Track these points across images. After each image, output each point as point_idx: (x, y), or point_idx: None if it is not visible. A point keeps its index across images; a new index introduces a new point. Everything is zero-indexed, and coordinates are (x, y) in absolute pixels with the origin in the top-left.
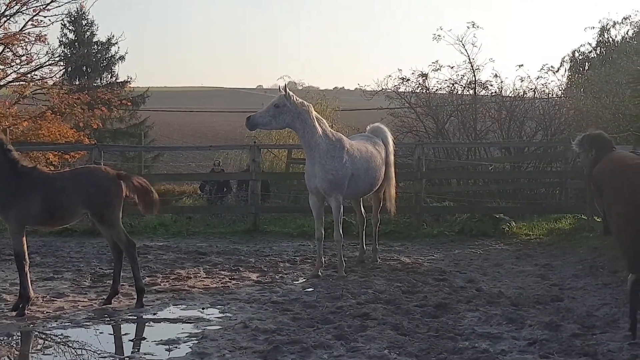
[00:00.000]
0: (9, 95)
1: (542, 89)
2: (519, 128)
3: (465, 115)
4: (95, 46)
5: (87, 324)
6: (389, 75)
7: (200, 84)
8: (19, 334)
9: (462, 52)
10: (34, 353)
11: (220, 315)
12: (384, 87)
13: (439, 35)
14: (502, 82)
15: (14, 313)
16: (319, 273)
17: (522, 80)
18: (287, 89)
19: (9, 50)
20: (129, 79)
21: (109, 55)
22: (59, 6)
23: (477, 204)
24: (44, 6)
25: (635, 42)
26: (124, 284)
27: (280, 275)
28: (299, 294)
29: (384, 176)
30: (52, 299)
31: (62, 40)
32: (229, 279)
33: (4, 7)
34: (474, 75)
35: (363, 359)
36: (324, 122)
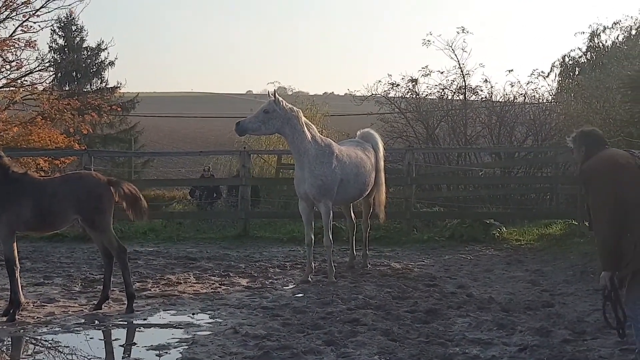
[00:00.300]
0: (0, 101)
1: (533, 94)
2: (509, 133)
3: (455, 121)
4: (85, 52)
5: (78, 329)
6: (379, 81)
7: (190, 89)
8: (9, 339)
9: (452, 57)
10: (25, 358)
11: (211, 320)
12: (373, 93)
13: (428, 41)
14: (492, 87)
15: (4, 318)
16: (309, 279)
17: (512, 86)
18: (277, 95)
19: None
20: (119, 85)
21: (99, 61)
22: (49, 12)
23: (467, 210)
24: (33, 12)
25: (625, 47)
26: (115, 289)
27: (270, 280)
28: (289, 300)
29: (374, 182)
30: (43, 304)
31: (51, 46)
32: (219, 284)
33: None
34: (464, 81)
35: None
36: (313, 127)
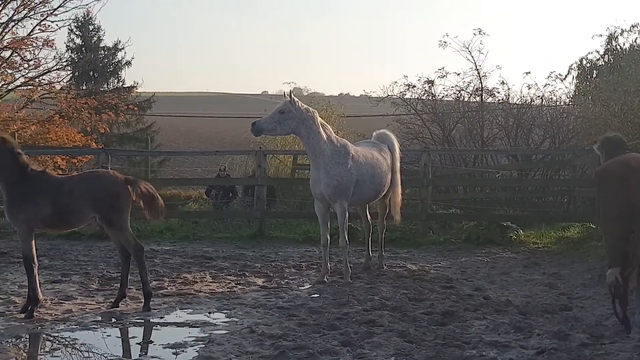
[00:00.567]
0: (18, 99)
1: (550, 97)
2: (526, 135)
3: (472, 122)
4: (102, 51)
5: (95, 326)
6: (395, 82)
7: (206, 89)
8: (27, 336)
9: (468, 59)
10: (42, 355)
11: (227, 319)
12: (389, 94)
13: (445, 42)
14: (509, 89)
15: (22, 315)
16: (325, 279)
17: (530, 88)
18: (293, 95)
19: (17, 54)
20: (136, 84)
21: (116, 61)
22: (66, 11)
23: (484, 212)
24: (51, 11)
25: None
26: (132, 287)
27: (286, 280)
28: (305, 300)
29: (390, 183)
30: (61, 301)
31: (69, 45)
32: (235, 283)
33: (12, 12)
34: (481, 82)
35: None
36: (328, 128)
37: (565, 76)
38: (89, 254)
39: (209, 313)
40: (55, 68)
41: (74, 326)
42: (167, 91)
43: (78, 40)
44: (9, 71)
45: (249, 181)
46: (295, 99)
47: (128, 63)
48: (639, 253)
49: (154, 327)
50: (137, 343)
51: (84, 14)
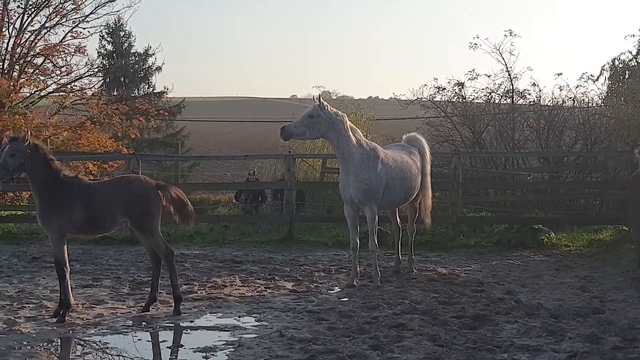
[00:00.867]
0: (50, 106)
1: (582, 98)
2: (557, 137)
3: (502, 125)
4: (133, 57)
5: (126, 330)
6: (425, 84)
7: (235, 94)
8: (59, 340)
9: (499, 61)
10: (74, 359)
11: (256, 323)
12: (419, 96)
13: (475, 44)
14: (540, 90)
15: (54, 319)
16: (354, 283)
17: (561, 89)
18: (322, 99)
19: (49, 61)
20: (166, 90)
21: (146, 66)
22: (98, 18)
23: (515, 215)
24: (83, 18)
25: None
26: (162, 291)
27: (316, 284)
28: (335, 304)
29: (420, 186)
30: (92, 305)
31: (100, 52)
32: (265, 287)
33: (44, 19)
34: (512, 84)
35: None
36: (358, 131)
37: (598, 77)
38: (120, 258)
39: (239, 317)
40: (86, 74)
41: (105, 330)
42: (197, 96)
43: (109, 47)
44: (42, 78)
45: (278, 185)
46: (325, 103)
47: (158, 69)
48: None
49: (184, 331)
50: (167, 347)
51: (115, 20)
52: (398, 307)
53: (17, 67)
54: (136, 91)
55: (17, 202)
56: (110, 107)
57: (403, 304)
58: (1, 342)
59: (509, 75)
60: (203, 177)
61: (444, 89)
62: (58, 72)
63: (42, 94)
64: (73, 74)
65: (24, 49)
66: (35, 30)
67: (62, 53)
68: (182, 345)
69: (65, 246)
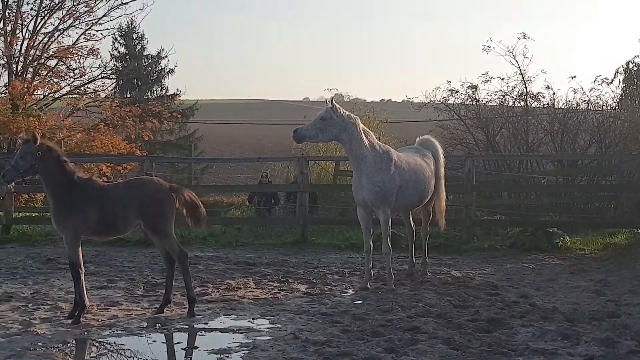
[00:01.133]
0: (63, 108)
1: (596, 101)
2: (572, 140)
3: (516, 127)
4: (146, 59)
5: (140, 332)
6: (438, 87)
7: (248, 96)
8: (74, 341)
9: (512, 64)
10: None
11: (270, 325)
12: (432, 99)
13: (488, 47)
14: (554, 93)
15: (69, 321)
16: (368, 285)
17: (575, 92)
18: (334, 102)
19: (62, 63)
20: (179, 92)
21: (159, 69)
22: (111, 20)
23: (529, 218)
24: (96, 20)
25: None
26: (176, 293)
27: (329, 287)
28: (348, 306)
29: (434, 189)
30: (107, 307)
31: (113, 54)
32: (278, 290)
33: (58, 21)
34: (525, 87)
35: None
36: (371, 134)
37: (612, 80)
38: (134, 260)
39: (253, 319)
40: (100, 76)
41: (119, 332)
42: (210, 98)
43: (122, 49)
44: (55, 80)
45: (291, 187)
46: (337, 106)
47: (171, 71)
48: None
49: (199, 333)
50: (181, 349)
51: (128, 22)
52: (412, 310)
53: (30, 69)
54: (149, 93)
55: (31, 203)
56: (124, 109)
57: (417, 307)
58: (17, 343)
59: (523, 78)
60: (216, 180)
61: (457, 91)
62: (71, 74)
63: (55, 96)
64: (86, 76)
65: (37, 51)
66: (49, 32)
67: (75, 55)
68: (196, 347)
69: (80, 248)
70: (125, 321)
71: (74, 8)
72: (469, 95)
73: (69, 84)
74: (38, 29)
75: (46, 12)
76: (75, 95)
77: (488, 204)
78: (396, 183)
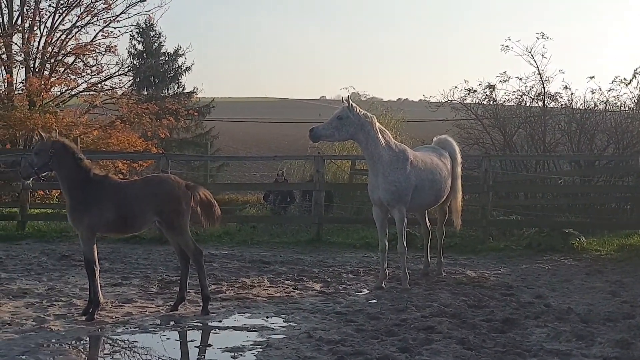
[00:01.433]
0: (80, 105)
1: (614, 102)
2: (589, 141)
3: (533, 128)
4: (163, 57)
5: (154, 329)
6: (455, 87)
7: (265, 94)
8: (88, 338)
9: (530, 63)
10: (102, 357)
11: (285, 324)
12: (449, 99)
13: (507, 46)
14: (572, 94)
15: (83, 317)
16: (383, 285)
17: (593, 93)
18: (350, 101)
19: (80, 60)
20: (195, 90)
21: (176, 66)
22: (128, 18)
23: (545, 218)
24: (113, 18)
25: None
26: (190, 291)
27: (344, 286)
28: (363, 305)
29: (450, 189)
30: (121, 304)
31: (130, 51)
32: (293, 288)
33: (76, 18)
34: (543, 87)
35: None
36: (387, 133)
37: (630, 80)
38: (149, 257)
39: (267, 317)
40: (117, 74)
41: (133, 329)
42: (226, 97)
43: (139, 46)
44: (72, 77)
45: (306, 186)
46: (353, 105)
47: (188, 69)
48: None
49: (213, 331)
50: (195, 347)
51: (145, 20)
52: (427, 309)
53: (48, 66)
54: (166, 91)
55: (47, 200)
56: (140, 106)
57: (432, 306)
58: (31, 340)
59: (541, 77)
60: (232, 178)
61: (475, 91)
62: (89, 71)
63: (72, 92)
64: (103, 73)
65: (55, 48)
66: (67, 29)
67: (92, 52)
68: (210, 345)
69: (95, 245)
70: (139, 318)
71: (92, 5)
72: (486, 95)
73: (86, 81)
74: (56, 25)
75: (64, 9)
76: (92, 93)
77: (504, 204)
78: (412, 182)
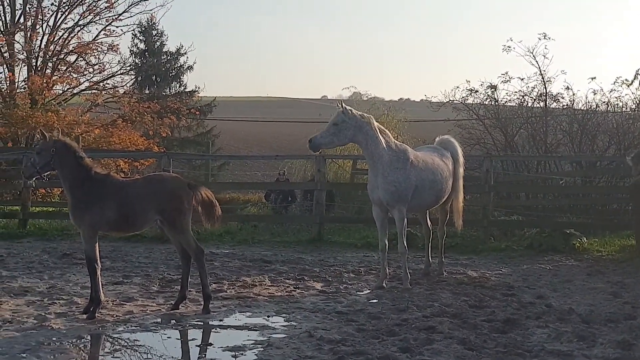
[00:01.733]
0: (82, 103)
1: (616, 102)
2: (591, 142)
3: (535, 128)
4: (165, 56)
5: (155, 328)
6: (457, 87)
7: (266, 94)
8: (88, 336)
9: (532, 64)
10: (103, 356)
11: (285, 323)
12: (451, 99)
13: (508, 47)
14: (574, 94)
15: (84, 316)
16: (384, 284)
17: (595, 93)
18: (344, 105)
19: (82, 59)
20: (197, 89)
21: (178, 65)
22: (131, 17)
23: (546, 219)
24: (116, 16)
25: None
26: (191, 290)
27: (345, 285)
28: (364, 305)
29: (452, 189)
30: (122, 303)
31: (132, 50)
32: (294, 287)
33: (78, 17)
34: (545, 87)
35: None
36: (387, 133)
37: (632, 81)
38: (150, 256)
39: (268, 316)
40: (119, 72)
41: (134, 327)
42: (228, 96)
43: (141, 45)
44: (74, 75)
45: (308, 186)
46: (348, 108)
47: (190, 68)
48: None
49: (213, 330)
50: (196, 345)
51: (147, 19)
52: (428, 309)
53: (50, 64)
54: (168, 90)
55: (48, 198)
56: (142, 105)
57: (433, 306)
58: (31, 338)
59: (543, 78)
60: (233, 177)
61: (477, 91)
62: (91, 69)
63: (74, 91)
64: (105, 72)
65: (57, 47)
66: (69, 28)
67: (95, 51)
68: (211, 344)
69: (97, 243)
70: (140, 317)
71: (94, 4)
72: (488, 95)
73: (88, 80)
74: (58, 24)
75: (67, 7)
76: (94, 91)
77: (505, 205)
78: (412, 182)
